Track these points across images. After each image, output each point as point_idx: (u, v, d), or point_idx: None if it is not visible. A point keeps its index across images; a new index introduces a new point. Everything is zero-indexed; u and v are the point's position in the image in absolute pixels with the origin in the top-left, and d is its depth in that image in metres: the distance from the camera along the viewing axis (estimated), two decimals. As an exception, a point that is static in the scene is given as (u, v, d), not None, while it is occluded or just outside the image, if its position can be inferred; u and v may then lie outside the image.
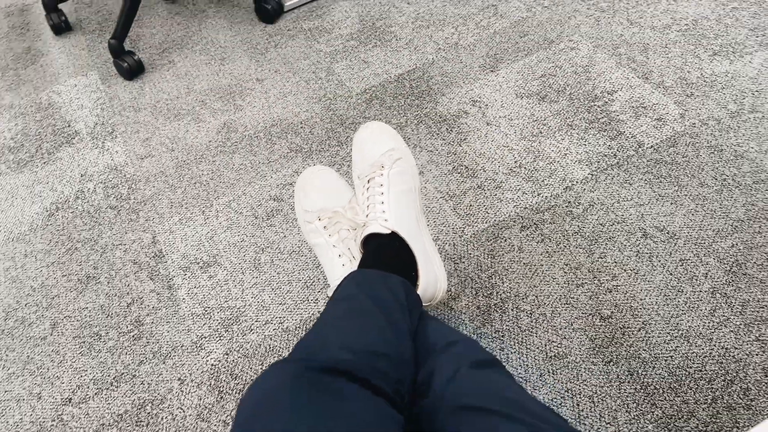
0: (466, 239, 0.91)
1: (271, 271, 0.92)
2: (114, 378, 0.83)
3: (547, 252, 0.88)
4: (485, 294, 0.84)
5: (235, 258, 0.95)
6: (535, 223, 0.91)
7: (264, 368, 0.79)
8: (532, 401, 0.49)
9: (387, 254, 0.70)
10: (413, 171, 0.78)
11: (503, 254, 0.88)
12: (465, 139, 1.05)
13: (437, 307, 0.84)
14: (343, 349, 0.50)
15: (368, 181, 0.76)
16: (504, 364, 0.76)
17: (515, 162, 1.00)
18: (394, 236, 0.70)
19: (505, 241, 0.90)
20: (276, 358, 0.82)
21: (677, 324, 0.78)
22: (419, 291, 0.68)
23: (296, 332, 0.84)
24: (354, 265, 0.73)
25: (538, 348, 0.78)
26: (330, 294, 0.74)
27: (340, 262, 0.75)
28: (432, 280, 0.71)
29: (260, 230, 0.98)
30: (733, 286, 0.80)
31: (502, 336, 0.79)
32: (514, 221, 0.92)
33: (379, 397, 0.46)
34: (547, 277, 0.85)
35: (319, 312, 0.86)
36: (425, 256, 0.72)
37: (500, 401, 0.47)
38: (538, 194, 0.95)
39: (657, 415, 0.70)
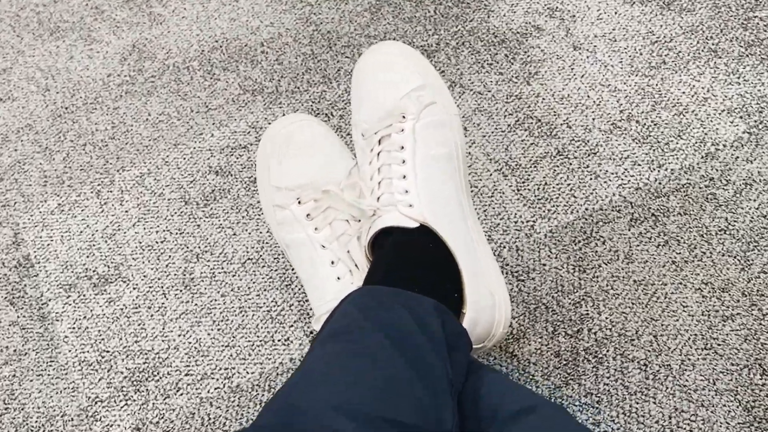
0: (537, 240, 0.91)
1: (211, 292, 0.92)
2: (-48, 467, 0.83)
3: (674, 262, 0.87)
4: (570, 332, 0.84)
5: (151, 269, 0.95)
6: (653, 215, 0.91)
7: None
8: None
9: (412, 262, 0.71)
10: (455, 123, 0.79)
11: (601, 266, 0.88)
12: (536, 74, 1.05)
13: (489, 353, 0.83)
14: (340, 412, 0.50)
15: (379, 142, 0.77)
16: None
17: (621, 112, 1.00)
18: (423, 232, 0.71)
19: (604, 243, 0.90)
20: (220, 436, 0.81)
21: None
22: (466, 323, 0.69)
23: (253, 393, 0.85)
24: (358, 280, 0.74)
25: (658, 422, 0.78)
26: (316, 327, 0.74)
27: (334, 273, 0.76)
28: (486, 304, 0.71)
29: (193, 223, 0.98)
30: None
31: (598, 402, 0.80)
32: (620, 211, 0.92)
33: None
34: (673, 304, 0.85)
35: (296, 358, 0.86)
36: (475, 265, 0.72)
37: None
38: (660, 166, 0.95)
39: None
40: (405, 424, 0.51)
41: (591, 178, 0.95)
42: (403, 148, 0.75)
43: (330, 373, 0.56)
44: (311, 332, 0.88)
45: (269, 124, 0.89)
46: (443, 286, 0.70)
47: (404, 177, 0.74)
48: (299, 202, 0.79)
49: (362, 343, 0.58)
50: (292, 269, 0.93)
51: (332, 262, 0.76)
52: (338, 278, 0.75)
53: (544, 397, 0.68)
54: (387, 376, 0.55)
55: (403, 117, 0.76)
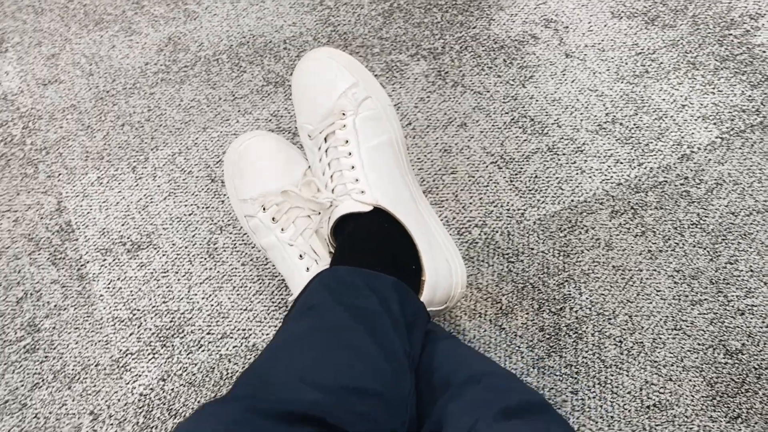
0: (527, 227, 0.91)
1: (232, 261, 0.93)
2: (-5, 407, 0.84)
3: (650, 251, 0.88)
4: (553, 309, 0.85)
5: (179, 239, 0.95)
6: (632, 208, 0.91)
7: (193, 409, 0.80)
8: None
9: (371, 242, 0.72)
10: (390, 113, 0.80)
11: (583, 252, 0.89)
12: (532, 78, 1.05)
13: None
14: (307, 384, 0.51)
15: (325, 140, 0.77)
16: (577, 412, 0.77)
17: (607, 114, 1.00)
18: (378, 214, 0.73)
19: (587, 232, 0.90)
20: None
21: (841, 367, 0.77)
22: (426, 293, 0.70)
23: (268, 352, 0.85)
24: (323, 267, 0.75)
25: (630, 393, 0.79)
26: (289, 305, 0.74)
27: (303, 265, 0.77)
28: (444, 272, 0.73)
29: (218, 199, 0.98)
30: None
31: (577, 373, 0.80)
32: (602, 203, 0.92)
33: None
34: (647, 288, 0.85)
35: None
36: (429, 237, 0.73)
37: None
38: (640, 164, 0.95)
39: (805, 500, 0.71)
40: (367, 390, 0.52)
41: (577, 173, 0.95)
42: (347, 142, 0.76)
43: (297, 348, 0.56)
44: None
45: (230, 143, 0.88)
46: (402, 259, 0.71)
47: (353, 167, 0.75)
48: (264, 209, 0.80)
49: (328, 320, 0.59)
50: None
51: (300, 256, 0.77)
52: (307, 269, 0.76)
53: (496, 362, 0.68)
54: (349, 350, 0.56)
55: (343, 114, 0.77)
